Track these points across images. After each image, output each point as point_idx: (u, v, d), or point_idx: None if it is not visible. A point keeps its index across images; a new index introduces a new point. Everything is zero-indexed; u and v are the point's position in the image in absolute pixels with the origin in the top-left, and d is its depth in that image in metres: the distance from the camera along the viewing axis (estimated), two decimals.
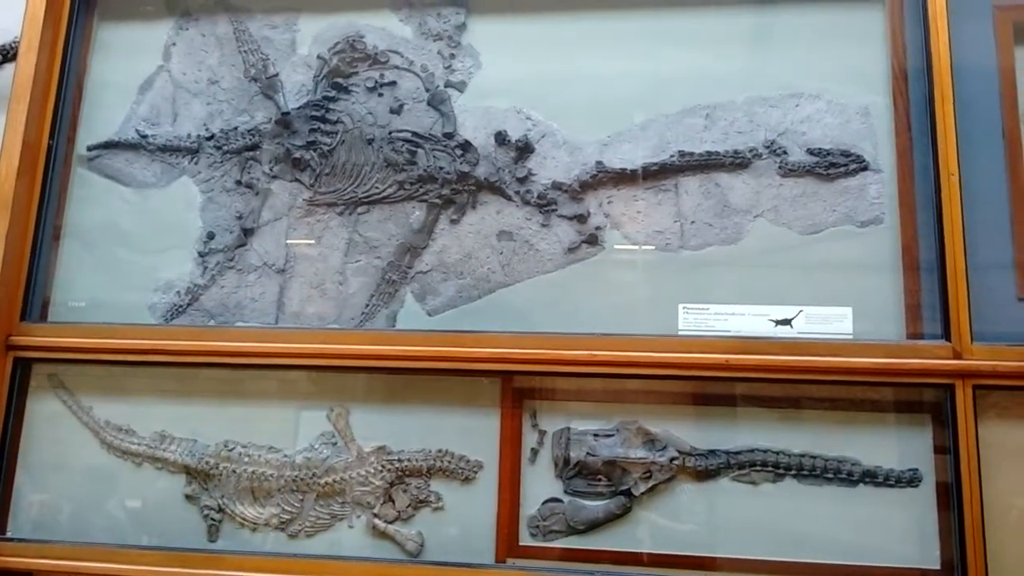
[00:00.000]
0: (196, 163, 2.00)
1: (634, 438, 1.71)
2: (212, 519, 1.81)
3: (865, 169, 1.74)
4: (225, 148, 1.99)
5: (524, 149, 1.86)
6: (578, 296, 1.79)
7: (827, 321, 1.69)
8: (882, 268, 1.70)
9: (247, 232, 1.94)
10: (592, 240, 1.81)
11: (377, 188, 1.91)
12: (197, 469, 1.83)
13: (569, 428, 1.73)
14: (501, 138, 1.87)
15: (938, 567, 1.58)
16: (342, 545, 1.77)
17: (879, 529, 1.61)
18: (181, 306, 1.93)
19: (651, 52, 1.88)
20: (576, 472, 1.71)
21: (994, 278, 1.64)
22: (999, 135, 1.71)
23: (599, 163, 1.83)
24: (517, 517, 1.71)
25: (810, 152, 1.77)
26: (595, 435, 1.72)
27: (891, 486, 1.62)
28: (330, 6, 2.02)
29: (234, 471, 1.82)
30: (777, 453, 1.66)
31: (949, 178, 1.65)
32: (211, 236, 1.95)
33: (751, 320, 1.71)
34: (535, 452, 1.74)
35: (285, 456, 1.82)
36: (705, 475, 1.67)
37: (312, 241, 1.91)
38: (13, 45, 2.04)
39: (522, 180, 1.85)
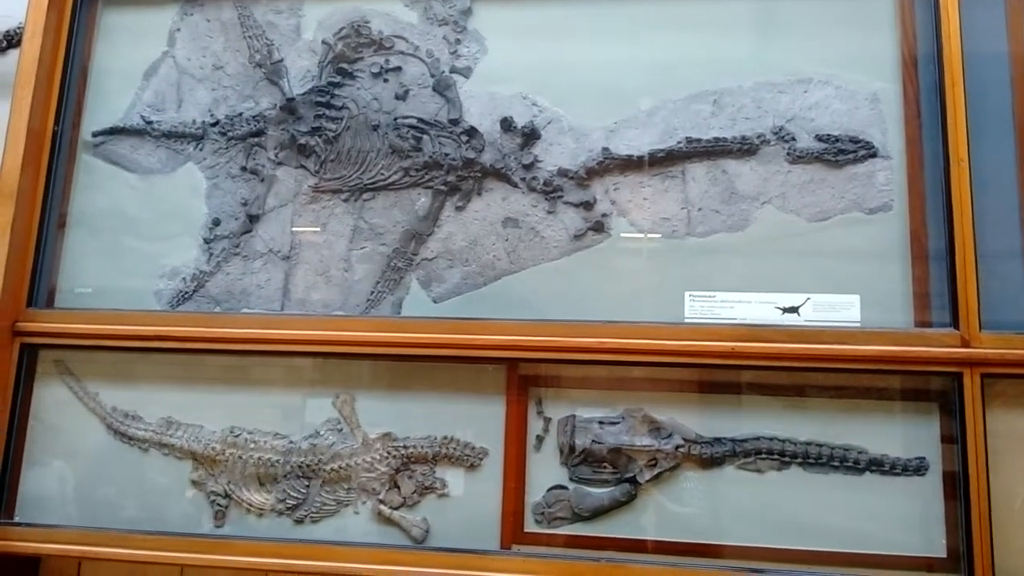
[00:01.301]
0: (201, 149, 1.99)
1: (639, 426, 1.70)
2: (218, 504, 1.82)
3: (874, 156, 1.73)
4: (230, 134, 1.98)
5: (530, 135, 1.85)
6: (584, 283, 1.78)
7: (834, 309, 1.68)
8: (890, 255, 1.69)
9: (252, 219, 1.93)
10: (598, 227, 1.80)
11: (382, 175, 1.90)
12: (203, 455, 1.84)
13: (574, 415, 1.73)
14: (507, 124, 1.86)
15: (944, 555, 1.58)
16: (348, 531, 1.77)
17: (885, 517, 1.60)
18: (187, 292, 1.93)
19: (658, 37, 1.86)
20: (581, 459, 1.71)
21: (1003, 266, 1.63)
22: (1009, 122, 1.70)
23: (605, 149, 1.82)
24: (522, 504, 1.71)
25: (818, 138, 1.75)
26: (600, 422, 1.72)
27: (897, 474, 1.61)
28: None
29: (240, 457, 1.82)
30: (783, 441, 1.65)
31: (959, 165, 1.64)
32: (216, 222, 1.95)
33: (758, 308, 1.71)
34: (540, 439, 1.74)
35: (291, 442, 1.82)
36: (710, 463, 1.67)
37: (317, 228, 1.91)
38: (17, 31, 2.03)
39: (528, 167, 1.84)
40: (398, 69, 1.94)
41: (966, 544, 1.54)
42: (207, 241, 1.94)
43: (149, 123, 2.02)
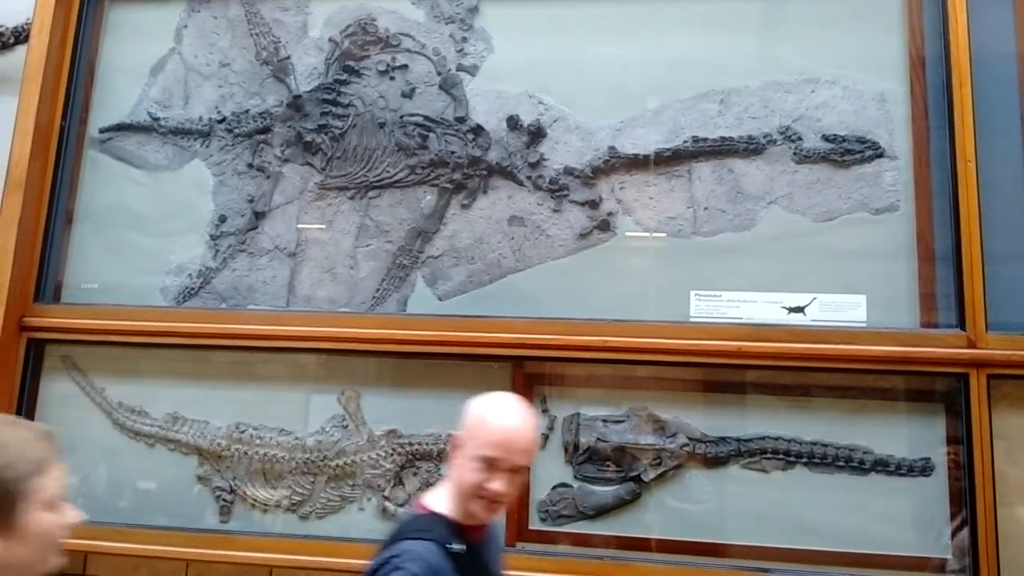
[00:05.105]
0: (208, 146, 2.00)
1: (644, 424, 1.71)
2: (224, 500, 1.83)
3: (880, 156, 1.73)
4: (237, 131, 1.98)
5: (536, 134, 1.84)
6: (589, 282, 1.78)
7: (840, 309, 1.68)
8: (897, 256, 1.68)
9: (259, 215, 1.94)
10: (604, 226, 1.80)
11: (388, 172, 1.90)
12: (209, 451, 1.85)
13: (579, 414, 1.73)
14: (513, 122, 1.86)
15: (949, 556, 1.58)
16: (353, 527, 1.78)
17: (890, 518, 1.60)
18: (193, 289, 1.93)
19: (665, 37, 1.86)
20: (586, 457, 1.71)
21: (1010, 267, 1.63)
22: (1017, 122, 1.70)
23: (611, 148, 1.82)
24: (527, 502, 1.71)
25: (825, 138, 1.75)
26: (605, 421, 1.72)
27: (903, 475, 1.61)
28: None
29: (246, 453, 1.83)
30: (788, 441, 1.65)
31: (966, 165, 1.63)
32: (223, 219, 1.95)
33: (763, 307, 1.70)
34: (545, 437, 1.74)
35: (296, 438, 1.83)
36: (715, 462, 1.67)
37: (323, 225, 1.91)
38: (25, 27, 2.04)
39: (534, 165, 1.84)
40: (404, 67, 1.94)
41: (972, 544, 1.54)
42: (213, 238, 1.94)
43: (156, 119, 2.03)
